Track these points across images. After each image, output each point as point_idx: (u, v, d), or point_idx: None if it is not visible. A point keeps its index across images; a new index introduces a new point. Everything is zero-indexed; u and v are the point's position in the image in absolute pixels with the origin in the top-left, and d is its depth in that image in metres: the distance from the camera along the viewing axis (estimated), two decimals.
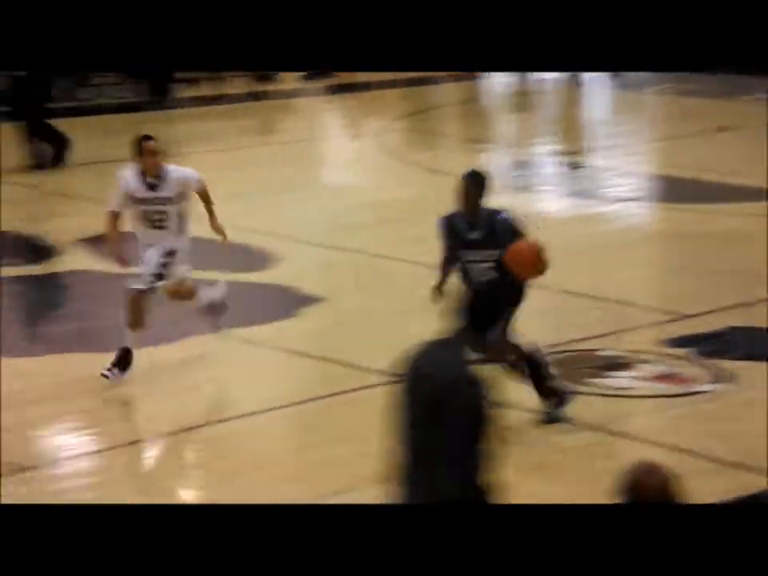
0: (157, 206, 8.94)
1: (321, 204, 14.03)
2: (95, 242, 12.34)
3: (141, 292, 8.92)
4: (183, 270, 9.17)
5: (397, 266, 11.46)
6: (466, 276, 7.95)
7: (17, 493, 7.29)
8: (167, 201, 8.94)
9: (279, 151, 16.96)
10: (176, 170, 9.11)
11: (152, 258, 8.96)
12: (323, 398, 8.66)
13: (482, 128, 19.28)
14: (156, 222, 8.98)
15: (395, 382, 5.23)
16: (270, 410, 8.45)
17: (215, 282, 9.66)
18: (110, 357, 9.08)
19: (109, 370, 8.72)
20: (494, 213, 7.88)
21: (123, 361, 8.79)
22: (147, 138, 9.03)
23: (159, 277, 8.98)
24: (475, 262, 7.87)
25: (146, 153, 8.92)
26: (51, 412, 8.42)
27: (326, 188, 15.18)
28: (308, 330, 10.03)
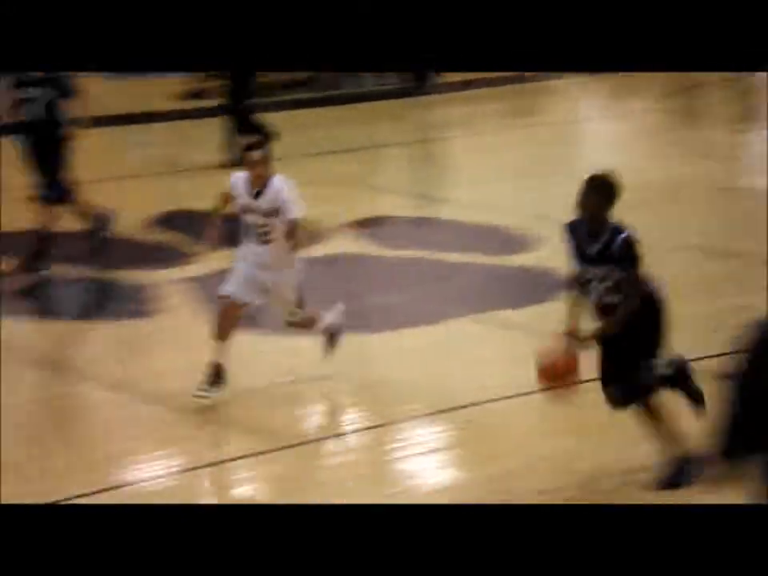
0: (260, 218, 8.26)
1: (579, 186, 13.88)
2: (363, 225, 12.64)
3: (233, 304, 8.25)
4: (289, 297, 8.40)
5: (661, 248, 11.25)
6: (586, 296, 6.95)
7: (290, 465, 7.58)
8: (270, 212, 8.22)
9: (537, 133, 16.90)
10: (279, 182, 8.26)
11: (252, 273, 8.27)
12: (581, 382, 8.60)
13: (748, 107, 18.75)
14: (260, 236, 8.29)
15: (737, 358, 5.15)
16: (527, 393, 8.45)
17: (335, 305, 8.87)
18: (376, 338, 9.30)
19: (204, 390, 8.24)
20: (617, 229, 6.83)
21: (216, 377, 8.26)
22: (249, 147, 8.29)
23: (255, 294, 8.27)
24: (594, 279, 6.89)
25: (246, 164, 8.29)
26: (319, 389, 8.66)
27: (584, 169, 15.01)
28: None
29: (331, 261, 11.65)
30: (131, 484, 7.35)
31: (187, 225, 12.40)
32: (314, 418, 8.54)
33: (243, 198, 8.33)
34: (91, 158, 15.25)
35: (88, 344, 9.80)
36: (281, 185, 8.28)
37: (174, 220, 12.88)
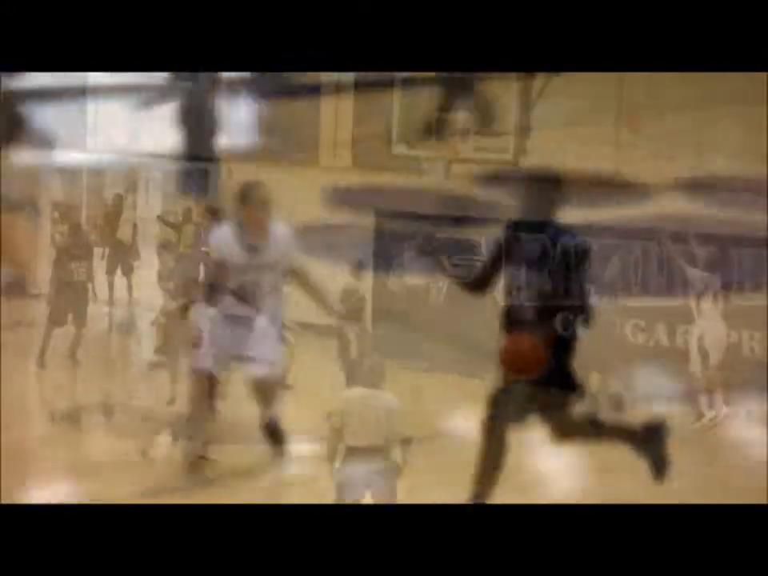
0: (253, 276, 7.11)
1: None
2: (693, 184, 12.45)
3: (212, 376, 7.18)
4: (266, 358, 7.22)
5: None
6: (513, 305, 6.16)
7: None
8: (268, 268, 7.11)
9: None
10: (283, 230, 7.22)
11: (239, 336, 7.13)
12: None
13: None
14: (247, 294, 7.14)
15: None
16: None
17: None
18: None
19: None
20: (561, 231, 6.05)
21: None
22: (254, 185, 7.18)
23: (239, 359, 7.19)
24: (521, 286, 6.14)
25: (251, 204, 7.08)
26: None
27: None
28: None
29: (659, 219, 11.54)
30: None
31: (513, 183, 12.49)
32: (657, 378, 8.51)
33: (236, 254, 7.12)
34: None
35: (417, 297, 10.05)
36: (286, 236, 7.17)
37: (501, 177, 13.00)
